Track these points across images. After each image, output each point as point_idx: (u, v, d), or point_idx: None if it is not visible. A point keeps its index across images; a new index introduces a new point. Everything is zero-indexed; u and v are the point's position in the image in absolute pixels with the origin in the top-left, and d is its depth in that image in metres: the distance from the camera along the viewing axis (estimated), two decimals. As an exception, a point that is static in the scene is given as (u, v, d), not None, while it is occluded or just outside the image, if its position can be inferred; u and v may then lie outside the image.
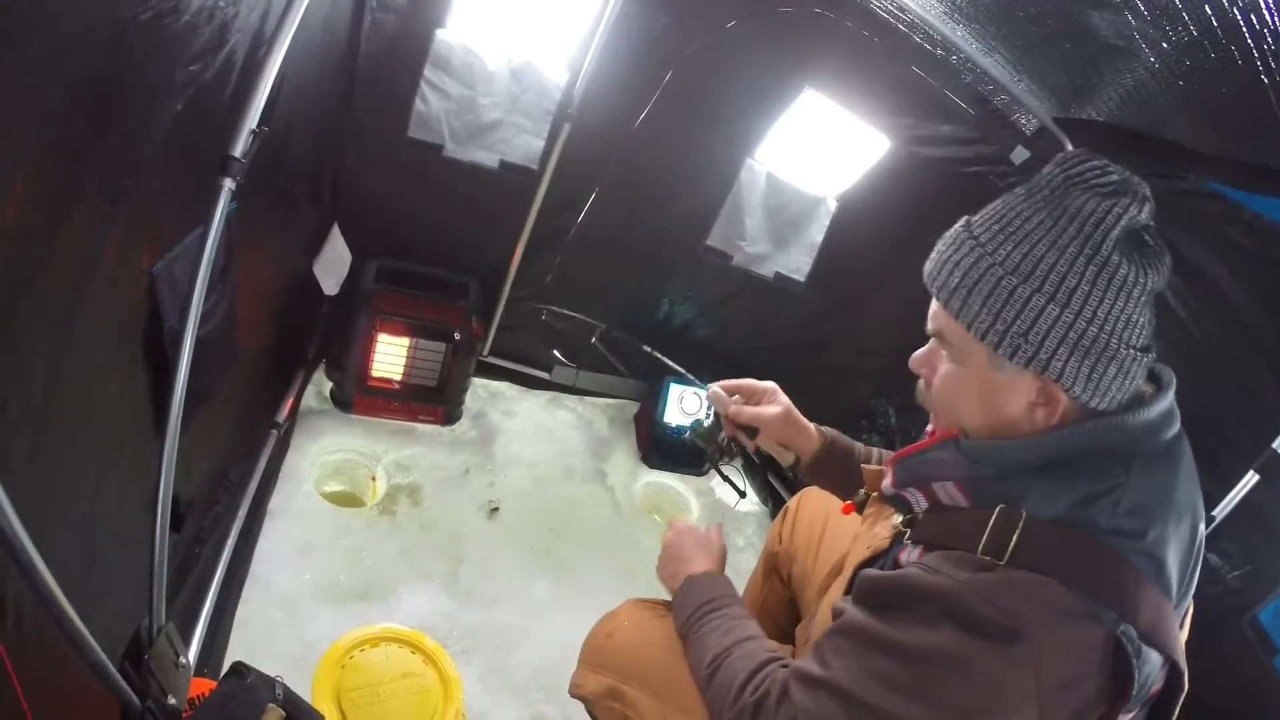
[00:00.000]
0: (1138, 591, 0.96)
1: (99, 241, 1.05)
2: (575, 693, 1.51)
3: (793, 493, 2.43)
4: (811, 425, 1.64)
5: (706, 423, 1.81)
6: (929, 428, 1.32)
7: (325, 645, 1.84)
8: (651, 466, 3.23)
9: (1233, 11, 1.22)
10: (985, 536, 1.00)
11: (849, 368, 3.31)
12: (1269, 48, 1.24)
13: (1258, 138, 1.67)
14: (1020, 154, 2.53)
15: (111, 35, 0.92)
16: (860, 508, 1.48)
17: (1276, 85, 1.32)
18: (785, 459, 1.67)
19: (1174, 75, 1.56)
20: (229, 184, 1.24)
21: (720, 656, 1.26)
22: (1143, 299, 1.01)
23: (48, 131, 0.86)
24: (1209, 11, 1.27)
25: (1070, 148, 2.27)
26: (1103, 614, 0.94)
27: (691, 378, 2.00)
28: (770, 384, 1.66)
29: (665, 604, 1.60)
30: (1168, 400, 1.06)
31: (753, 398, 1.66)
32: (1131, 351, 1.01)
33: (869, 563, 1.27)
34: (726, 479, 3.31)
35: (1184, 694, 1.05)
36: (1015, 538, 0.98)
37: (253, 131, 1.28)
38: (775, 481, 3.32)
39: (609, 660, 1.48)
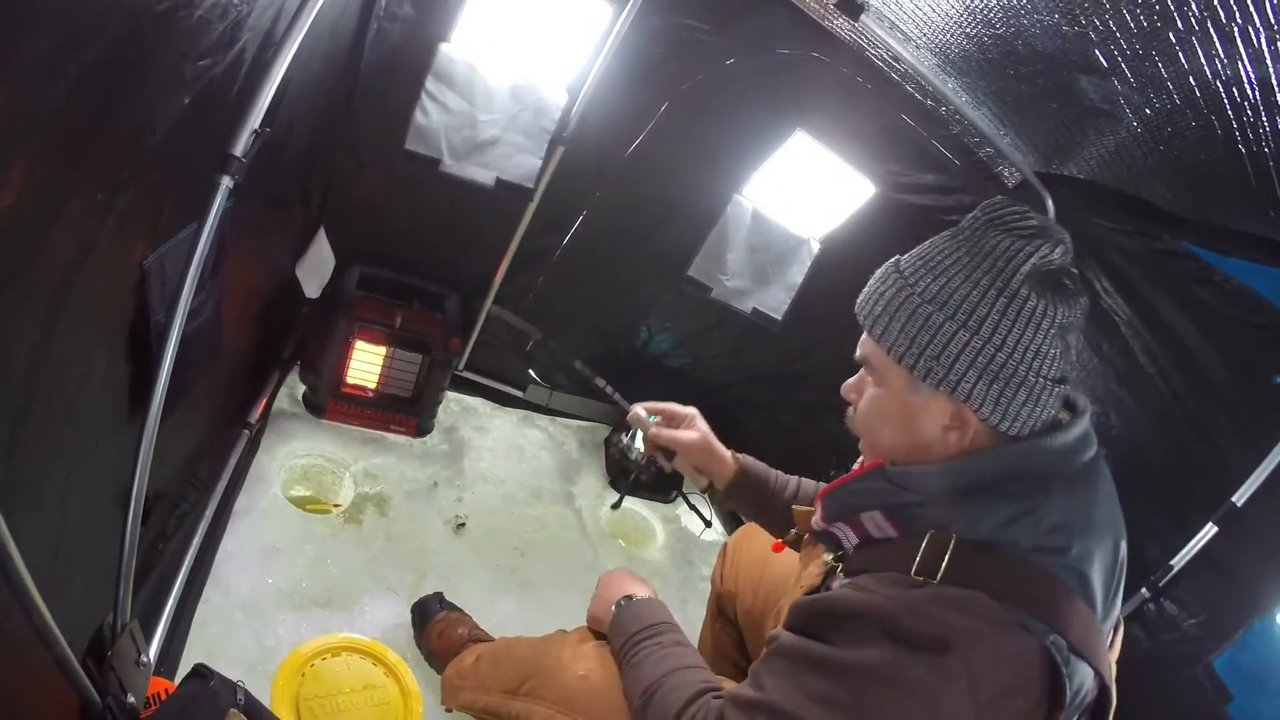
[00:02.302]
0: (1067, 605, 1.00)
1: (93, 231, 1.04)
2: None
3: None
4: (728, 453, 1.70)
5: (625, 439, 1.87)
6: (855, 466, 1.36)
7: (285, 651, 1.82)
8: (620, 491, 3.22)
9: (1216, 84, 1.27)
10: (918, 560, 1.04)
11: (821, 404, 3.35)
12: (1248, 119, 1.29)
13: (1233, 204, 1.73)
14: (1001, 205, 2.59)
15: (126, 25, 0.92)
16: (794, 546, 1.52)
17: (1254, 155, 1.38)
18: (699, 483, 1.73)
19: (1155, 140, 1.62)
20: (227, 182, 1.24)
21: (653, 686, 1.26)
22: (1052, 332, 1.06)
23: (54, 118, 0.85)
24: (1193, 83, 1.32)
25: (1050, 202, 2.33)
26: (1032, 625, 0.97)
27: (618, 397, 2.01)
28: (691, 409, 1.73)
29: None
30: (1083, 425, 1.12)
31: (673, 421, 1.72)
32: (1042, 380, 1.07)
33: None
34: (693, 507, 3.32)
35: (1114, 706, 1.09)
36: (946, 559, 1.02)
37: (255, 132, 1.28)
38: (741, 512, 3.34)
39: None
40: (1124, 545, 1.13)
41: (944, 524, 1.06)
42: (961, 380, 1.07)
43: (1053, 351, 1.07)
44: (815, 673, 1.03)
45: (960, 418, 1.10)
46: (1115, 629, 1.16)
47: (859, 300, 1.21)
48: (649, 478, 1.79)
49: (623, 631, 1.42)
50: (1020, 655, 0.97)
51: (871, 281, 1.21)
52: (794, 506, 1.49)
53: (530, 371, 3.28)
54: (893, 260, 1.19)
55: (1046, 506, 1.04)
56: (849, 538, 1.24)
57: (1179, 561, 1.88)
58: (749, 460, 1.72)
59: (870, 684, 0.99)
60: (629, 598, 1.49)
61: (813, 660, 1.05)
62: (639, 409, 1.74)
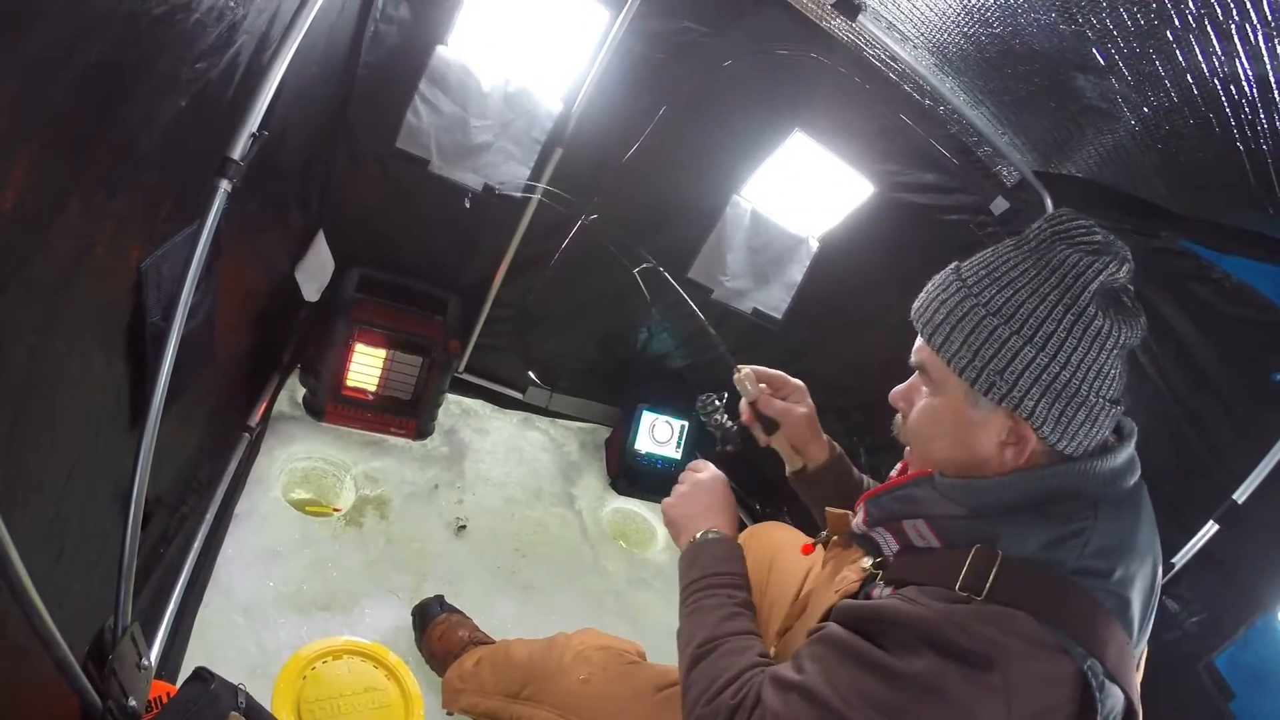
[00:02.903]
0: (1106, 629, 0.99)
1: (92, 233, 1.05)
2: None
3: (758, 522, 2.44)
4: (826, 437, 1.62)
5: (719, 402, 1.71)
6: (893, 472, 1.35)
7: (286, 654, 1.82)
8: (620, 492, 3.22)
9: (1213, 82, 1.27)
10: (963, 574, 1.03)
11: (821, 405, 3.34)
12: (1246, 117, 1.29)
13: (1231, 201, 1.73)
14: (1000, 205, 2.59)
15: (124, 27, 0.92)
16: (825, 541, 1.50)
17: (1252, 153, 1.38)
18: (794, 463, 1.63)
19: (1153, 138, 1.62)
20: (225, 185, 1.24)
21: (715, 642, 1.23)
22: (1115, 351, 1.06)
23: (53, 119, 0.85)
24: (1190, 80, 1.32)
25: (1049, 201, 2.34)
26: (1072, 648, 0.96)
27: (724, 349, 1.83)
28: (799, 383, 1.62)
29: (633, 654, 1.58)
30: (1129, 450, 1.11)
31: (781, 391, 1.61)
32: (1101, 401, 1.06)
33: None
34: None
35: None
36: (993, 575, 1.01)
37: (252, 135, 1.28)
38: (741, 512, 3.33)
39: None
40: (1160, 570, 1.12)
41: (989, 539, 1.05)
42: (1025, 398, 1.05)
43: (1113, 372, 1.06)
44: (857, 667, 1.03)
45: (1018, 434, 1.08)
46: (1143, 650, 1.15)
47: (916, 305, 1.18)
48: (735, 448, 1.65)
49: (699, 566, 1.38)
50: (1058, 677, 0.96)
51: (930, 287, 1.17)
52: (827, 509, 1.44)
53: (530, 373, 3.28)
54: (952, 266, 1.17)
55: (1093, 529, 1.03)
56: (889, 544, 1.21)
57: (1180, 560, 1.88)
58: (840, 450, 1.64)
59: (909, 689, 0.98)
60: (713, 533, 1.43)
61: (856, 655, 1.04)
62: (750, 371, 1.60)
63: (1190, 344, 1.98)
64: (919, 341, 1.17)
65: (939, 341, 1.11)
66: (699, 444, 3.44)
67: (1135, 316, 1.08)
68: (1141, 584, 1.05)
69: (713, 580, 1.34)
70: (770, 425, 1.59)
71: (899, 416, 1.26)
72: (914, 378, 1.21)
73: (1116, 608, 1.02)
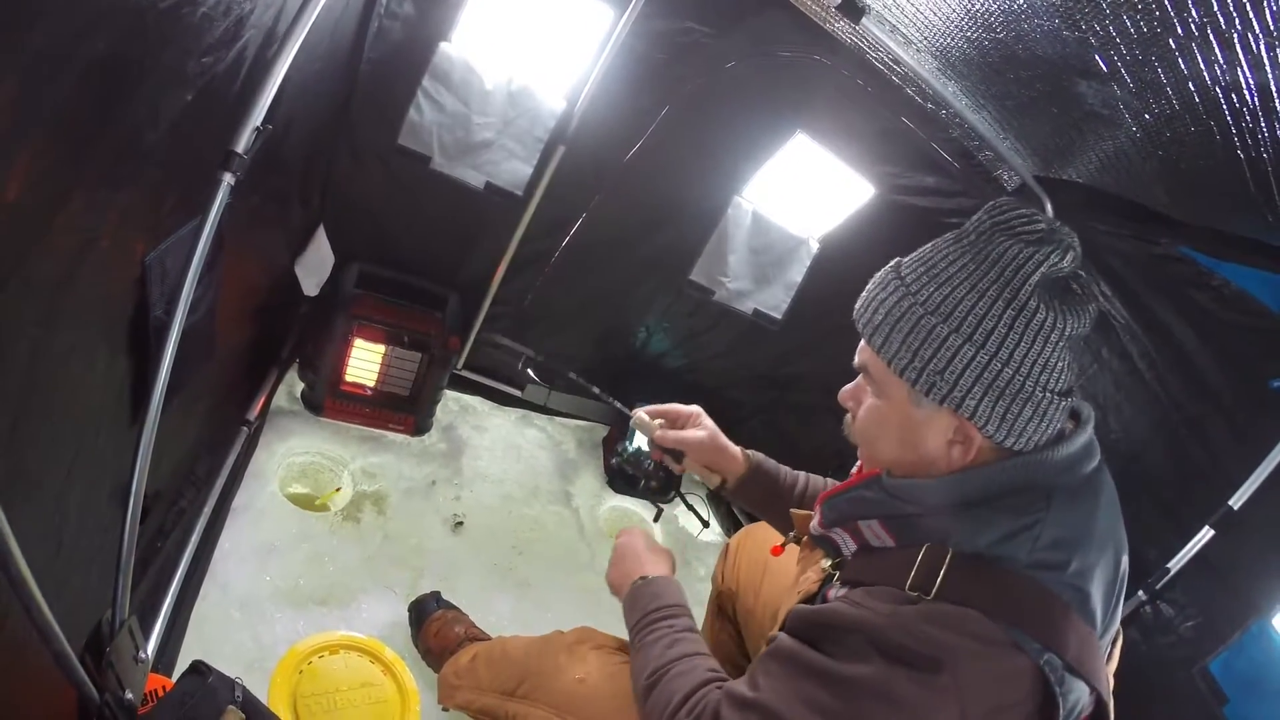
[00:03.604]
0: (1064, 623, 0.98)
1: (96, 226, 1.04)
2: None
3: (752, 523, 2.45)
4: (738, 449, 1.65)
5: (632, 448, 1.80)
6: (853, 470, 1.35)
7: (282, 648, 1.82)
8: (617, 491, 3.22)
9: (1215, 90, 1.27)
10: (913, 573, 1.03)
11: (819, 406, 3.35)
12: (1247, 125, 1.30)
13: (1231, 208, 1.74)
14: (1000, 208, 2.59)
15: (131, 20, 0.92)
16: (797, 541, 1.51)
17: (1252, 161, 1.38)
18: (711, 481, 1.68)
19: (1154, 145, 1.63)
20: (229, 179, 1.24)
21: (661, 670, 1.25)
22: (1061, 344, 1.03)
23: (58, 112, 0.85)
24: (1192, 88, 1.32)
25: (1050, 206, 2.34)
26: (1026, 644, 0.96)
27: (619, 405, 1.96)
28: (695, 408, 1.68)
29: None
30: (1086, 435, 1.09)
31: (677, 422, 1.67)
32: (1048, 395, 1.04)
33: None
34: (691, 508, 3.32)
35: None
36: (941, 574, 1.00)
37: (257, 129, 1.28)
38: (739, 512, 3.34)
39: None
40: (1125, 557, 1.10)
41: (942, 536, 1.04)
42: (966, 397, 1.03)
43: (1060, 364, 1.04)
44: (809, 679, 1.03)
45: (964, 433, 1.07)
46: (1114, 640, 1.14)
47: (857, 306, 1.16)
48: (659, 483, 1.74)
49: (638, 609, 1.41)
50: (1012, 674, 0.96)
51: (870, 286, 1.16)
52: (792, 510, 1.47)
53: (529, 371, 3.27)
54: (893, 264, 1.15)
55: (1046, 521, 1.01)
56: (847, 544, 1.22)
57: (1175, 564, 1.89)
58: (759, 456, 1.67)
59: (861, 696, 0.98)
60: (645, 578, 1.47)
61: (807, 667, 1.04)
62: (641, 413, 1.69)
63: (1189, 350, 1.98)
64: (862, 343, 1.15)
65: (879, 342, 1.10)
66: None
67: (1084, 304, 1.06)
68: (1103, 573, 1.04)
69: (649, 618, 1.37)
70: (676, 455, 1.66)
71: (848, 417, 1.25)
72: (860, 378, 1.20)
73: (1075, 600, 1.00)
